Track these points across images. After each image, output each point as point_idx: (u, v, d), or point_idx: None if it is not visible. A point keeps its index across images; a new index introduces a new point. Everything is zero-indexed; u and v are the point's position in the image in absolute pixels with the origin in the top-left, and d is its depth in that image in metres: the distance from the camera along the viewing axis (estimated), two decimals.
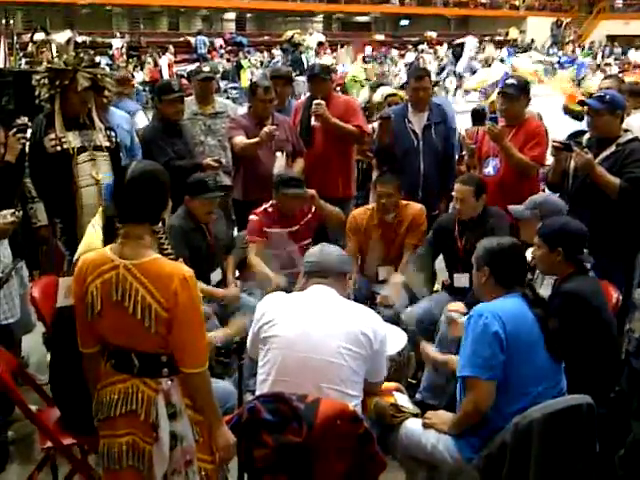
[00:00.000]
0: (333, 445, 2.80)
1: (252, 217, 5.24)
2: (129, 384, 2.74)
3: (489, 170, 5.52)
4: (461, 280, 4.79)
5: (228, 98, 14.05)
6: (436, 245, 5.11)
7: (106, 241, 2.95)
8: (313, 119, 5.96)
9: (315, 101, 5.88)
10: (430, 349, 4.09)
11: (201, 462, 2.74)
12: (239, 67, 24.31)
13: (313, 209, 5.34)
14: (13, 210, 4.12)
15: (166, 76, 21.40)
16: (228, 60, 26.11)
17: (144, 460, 2.70)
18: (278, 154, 5.79)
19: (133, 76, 20.78)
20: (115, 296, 2.64)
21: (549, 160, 5.49)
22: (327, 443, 2.78)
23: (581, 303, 3.51)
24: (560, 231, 3.71)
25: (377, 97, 7.68)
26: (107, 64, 18.82)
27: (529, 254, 3.87)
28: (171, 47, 25.56)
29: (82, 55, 4.70)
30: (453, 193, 4.94)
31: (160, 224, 2.79)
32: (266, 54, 27.91)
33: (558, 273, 3.75)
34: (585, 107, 5.15)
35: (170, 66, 23.57)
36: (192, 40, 28.59)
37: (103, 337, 2.78)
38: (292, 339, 3.05)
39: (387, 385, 3.49)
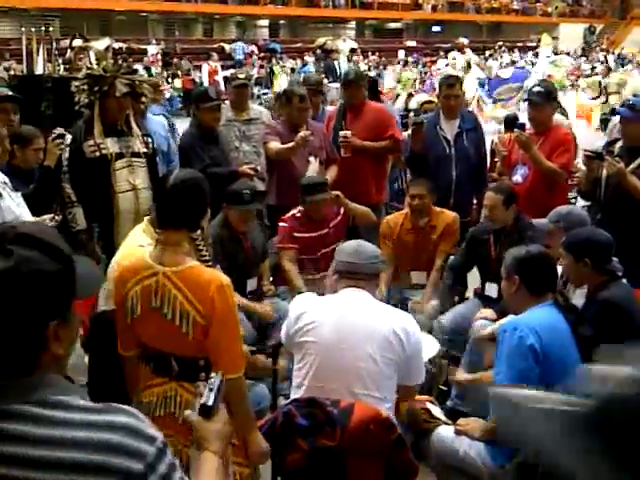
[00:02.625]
0: (366, 450, 2.82)
1: (281, 224, 5.27)
2: (167, 387, 2.80)
3: (517, 178, 5.51)
4: (493, 289, 4.79)
5: (261, 104, 14.10)
6: (469, 255, 5.10)
7: None
8: (342, 151, 5.96)
9: (342, 133, 5.91)
10: (460, 375, 4.09)
11: (236, 465, 2.77)
12: (272, 73, 24.41)
13: (342, 211, 5.36)
14: (52, 215, 4.21)
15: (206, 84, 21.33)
16: (261, 67, 26.21)
17: (181, 462, 2.74)
18: (312, 159, 5.83)
19: (168, 82, 20.97)
20: (154, 302, 2.70)
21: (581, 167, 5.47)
22: (360, 448, 2.80)
23: (617, 311, 3.49)
24: (586, 242, 3.68)
25: (413, 104, 7.70)
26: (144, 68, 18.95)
27: (560, 268, 3.86)
28: (215, 55, 24.99)
29: (120, 62, 4.78)
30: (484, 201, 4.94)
31: (199, 231, 2.84)
32: (298, 61, 28.00)
33: (588, 283, 3.74)
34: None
35: (211, 74, 23.17)
36: (226, 47, 28.73)
37: (142, 341, 2.83)
38: (326, 345, 3.07)
39: (420, 397, 3.51)
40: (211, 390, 1.89)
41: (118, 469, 1.33)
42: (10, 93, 5.19)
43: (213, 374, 1.95)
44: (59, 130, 4.70)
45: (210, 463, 1.78)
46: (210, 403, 1.86)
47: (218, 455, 1.81)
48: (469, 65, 22.63)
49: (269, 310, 4.88)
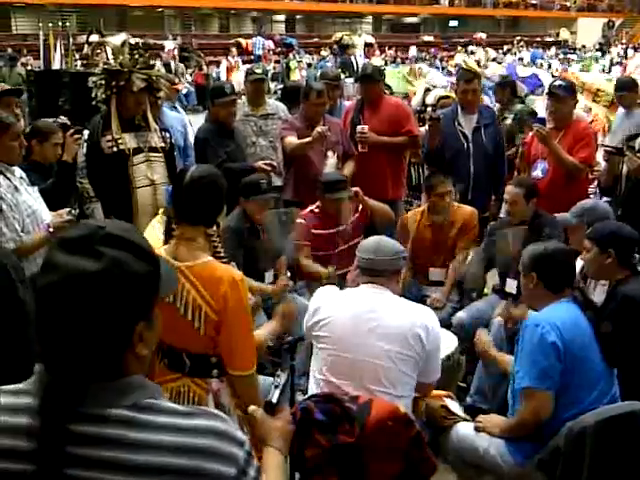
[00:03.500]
0: (385, 446, 2.81)
1: (299, 220, 5.25)
2: (180, 383, 2.79)
3: (537, 173, 5.49)
4: (513, 285, 4.75)
5: (278, 99, 14.08)
6: (490, 251, 5.06)
7: (166, 242, 3.00)
8: (359, 147, 5.94)
9: (359, 128, 5.89)
10: (485, 337, 3.92)
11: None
12: (288, 68, 24.37)
13: (360, 207, 5.33)
14: (69, 209, 4.21)
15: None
16: (277, 62, 26.18)
17: None
18: (329, 154, 5.80)
19: (185, 77, 20.90)
20: (168, 297, 2.69)
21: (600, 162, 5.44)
22: (379, 444, 2.79)
23: (636, 306, 3.45)
24: (613, 234, 3.66)
25: (430, 99, 7.66)
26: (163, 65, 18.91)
27: (579, 263, 3.82)
28: (234, 50, 24.70)
29: (137, 57, 4.78)
30: (504, 195, 4.91)
31: (214, 227, 2.84)
32: (315, 56, 27.94)
33: (609, 277, 3.71)
34: None
35: (229, 70, 22.81)
36: (242, 42, 28.72)
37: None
38: (342, 340, 3.07)
39: (438, 392, 3.49)
40: (276, 387, 1.90)
41: (211, 474, 1.32)
42: (7, 87, 5.22)
43: (279, 372, 1.96)
44: (76, 127, 4.71)
45: (273, 459, 1.78)
46: (275, 400, 1.87)
47: (281, 451, 1.81)
48: (478, 65, 22.45)
49: (282, 285, 4.88)
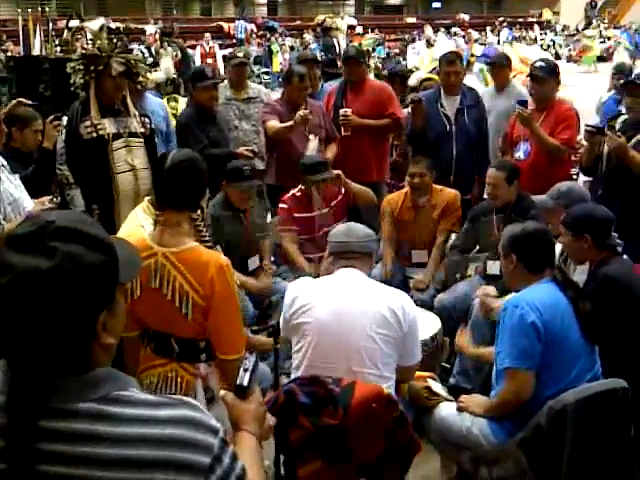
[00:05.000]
0: (369, 427, 2.83)
1: (281, 205, 5.25)
2: (168, 368, 2.81)
3: (519, 154, 5.50)
4: (494, 267, 4.78)
5: (261, 83, 14.05)
6: (472, 234, 5.08)
7: None
8: (343, 130, 5.93)
9: (341, 111, 5.88)
10: (465, 341, 4.00)
11: None
12: (271, 52, 24.26)
13: (343, 190, 5.33)
14: (51, 197, 4.19)
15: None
16: (260, 45, 26.04)
17: None
18: (311, 137, 5.79)
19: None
20: (153, 283, 2.70)
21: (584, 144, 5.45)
22: (363, 426, 2.81)
23: (616, 286, 3.49)
24: (586, 218, 3.66)
25: (412, 81, 7.64)
26: (141, 50, 18.69)
27: (559, 245, 3.84)
28: (207, 35, 23.94)
29: (115, 41, 4.75)
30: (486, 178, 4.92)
31: (199, 212, 2.84)
32: (298, 39, 27.79)
33: (588, 259, 3.73)
34: None
35: (203, 56, 22.45)
36: (225, 25, 28.54)
37: (143, 321, 2.83)
38: (324, 325, 3.08)
39: (421, 374, 3.51)
40: (246, 370, 1.87)
41: (185, 463, 1.32)
42: None
43: (247, 354, 1.93)
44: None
45: (247, 443, 1.77)
46: (245, 383, 1.85)
47: (254, 435, 1.80)
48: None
49: (267, 284, 4.90)
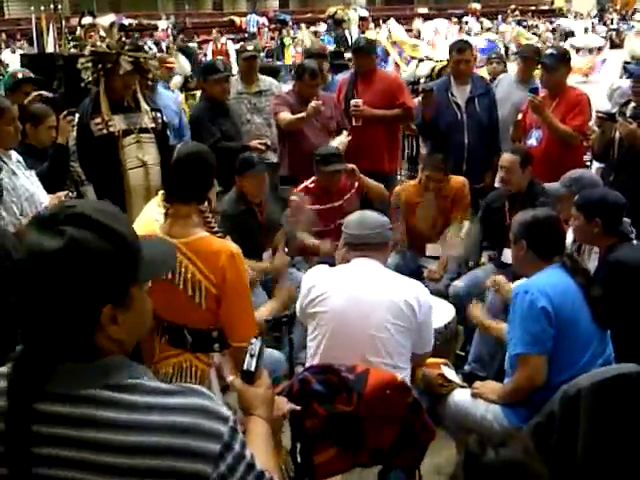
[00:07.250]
0: (383, 414, 2.85)
1: (292, 197, 5.25)
2: (182, 358, 2.84)
3: (532, 141, 5.50)
4: (508, 255, 4.77)
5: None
6: (486, 222, 5.08)
7: None
8: (354, 120, 5.94)
9: (353, 101, 5.88)
10: (478, 310, 3.93)
11: None
12: (283, 45, 24.22)
13: (356, 184, 5.33)
14: (67, 192, 4.24)
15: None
16: (272, 38, 26.01)
17: None
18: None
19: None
20: (165, 274, 2.73)
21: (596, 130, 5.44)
22: (377, 412, 2.83)
23: (626, 270, 3.49)
24: (598, 202, 3.66)
25: (423, 71, 7.64)
26: (150, 46, 18.71)
27: (570, 233, 3.83)
28: (214, 31, 23.79)
29: (125, 39, 4.77)
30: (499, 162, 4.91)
31: (206, 203, 2.87)
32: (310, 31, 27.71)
33: (597, 243, 3.73)
34: None
35: (215, 53, 22.45)
36: (236, 20, 28.53)
37: (156, 313, 2.86)
38: (339, 315, 3.09)
39: (435, 360, 3.52)
40: (252, 356, 1.89)
41: (195, 451, 1.33)
42: (32, 75, 5.24)
43: (253, 340, 1.95)
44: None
45: (258, 427, 1.78)
46: (252, 369, 1.87)
47: (265, 419, 1.82)
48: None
49: (281, 261, 4.87)
